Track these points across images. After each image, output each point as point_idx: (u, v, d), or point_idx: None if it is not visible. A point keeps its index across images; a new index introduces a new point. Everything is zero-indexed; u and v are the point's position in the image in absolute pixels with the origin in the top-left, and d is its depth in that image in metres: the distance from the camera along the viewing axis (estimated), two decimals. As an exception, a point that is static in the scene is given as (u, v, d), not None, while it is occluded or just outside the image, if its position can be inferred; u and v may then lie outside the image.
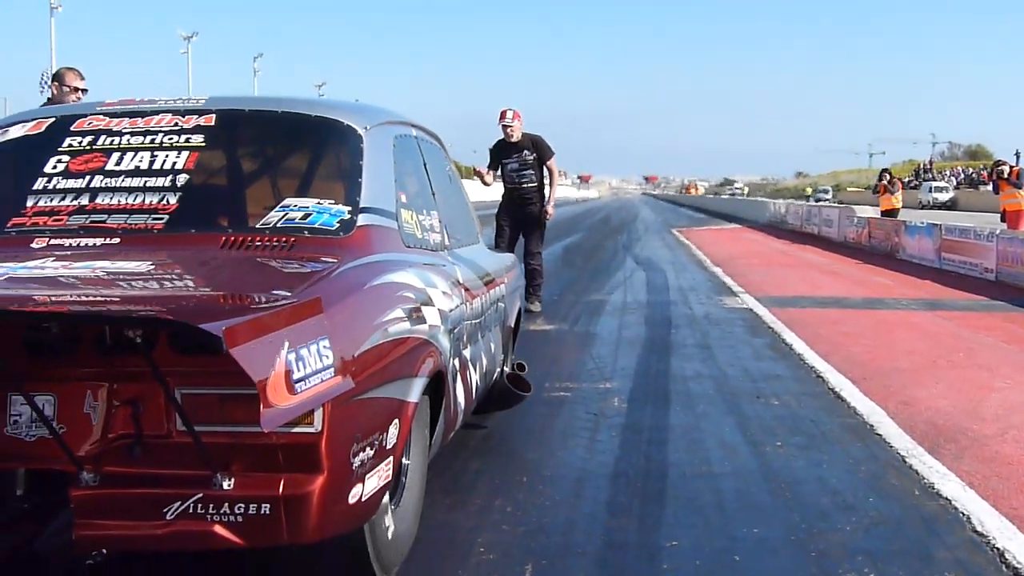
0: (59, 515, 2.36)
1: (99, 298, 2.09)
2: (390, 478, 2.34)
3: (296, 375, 1.83)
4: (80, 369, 2.03)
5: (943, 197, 50.62)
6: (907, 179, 61.86)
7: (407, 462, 2.68)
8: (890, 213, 18.73)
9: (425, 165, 3.46)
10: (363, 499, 2.16)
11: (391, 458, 2.33)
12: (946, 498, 3.55)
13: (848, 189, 72.43)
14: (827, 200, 62.81)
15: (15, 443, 2.02)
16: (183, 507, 1.95)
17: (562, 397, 5.27)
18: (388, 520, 2.48)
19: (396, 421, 2.34)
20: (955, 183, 55.48)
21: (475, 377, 3.53)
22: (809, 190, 74.12)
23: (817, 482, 3.76)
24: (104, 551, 2.38)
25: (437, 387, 2.84)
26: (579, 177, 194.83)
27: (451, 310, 3.02)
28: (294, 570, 2.68)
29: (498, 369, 4.20)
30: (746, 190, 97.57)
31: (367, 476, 2.17)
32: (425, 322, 2.67)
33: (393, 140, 3.13)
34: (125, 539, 2.02)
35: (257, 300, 1.98)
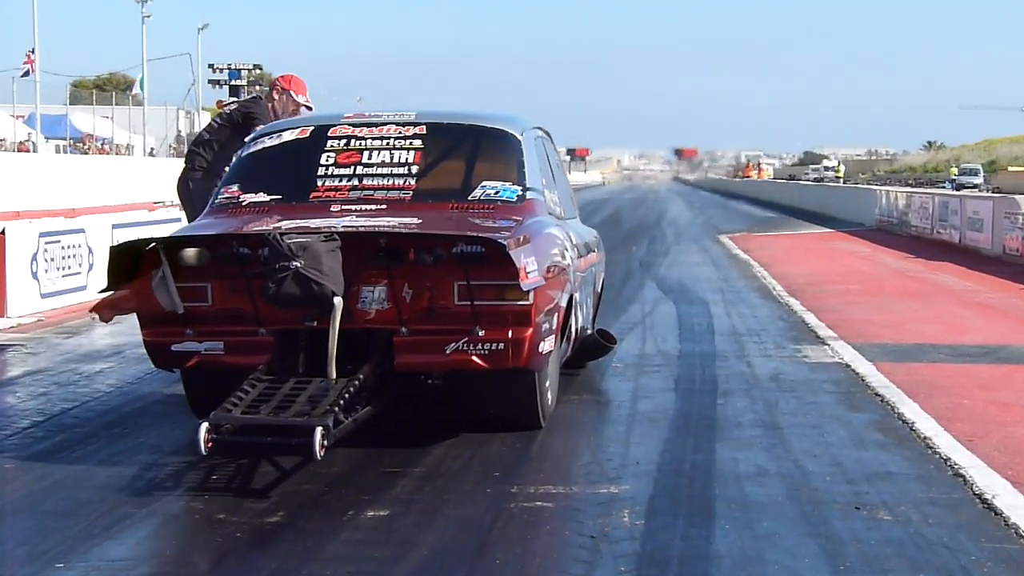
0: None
1: (417, 230, 6.30)
2: (553, 347, 6.64)
3: (527, 270, 6.01)
4: (400, 270, 6.06)
5: None
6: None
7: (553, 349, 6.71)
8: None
9: (548, 157, 7.97)
10: (543, 352, 6.39)
11: (553, 335, 6.61)
12: None
13: (1010, 168, 72.42)
14: (976, 186, 62.70)
15: (362, 313, 6.13)
16: (456, 346, 6.07)
17: (541, 508, 5.33)
18: (546, 378, 6.73)
19: (556, 314, 6.71)
20: None
21: (580, 318, 7.86)
22: (954, 170, 73.58)
23: (953, 645, 3.81)
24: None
25: (567, 312, 7.10)
26: (570, 152, 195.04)
27: (573, 259, 7.37)
28: (491, 408, 6.60)
29: (588, 328, 8.40)
30: (842, 171, 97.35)
31: (545, 339, 6.39)
32: (566, 260, 7.12)
33: (534, 140, 7.58)
34: (422, 365, 6.26)
35: (498, 236, 6.05)
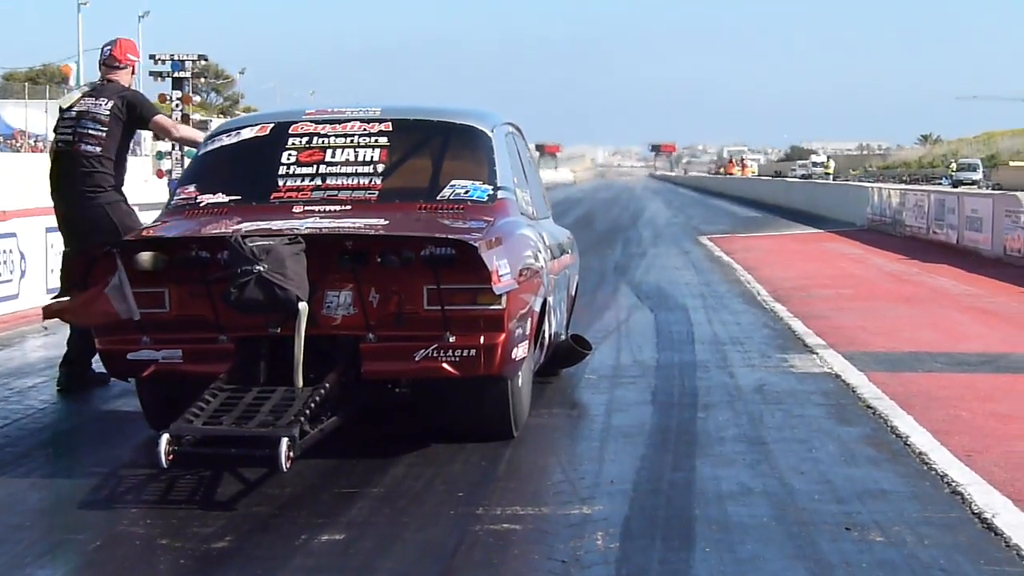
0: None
1: (385, 232, 6.31)
2: (526, 354, 6.62)
3: (500, 273, 6.04)
4: (367, 274, 6.03)
5: None
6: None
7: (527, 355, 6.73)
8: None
9: (519, 154, 8.03)
10: (517, 358, 6.41)
11: (527, 341, 6.60)
12: None
13: (1011, 163, 71.42)
14: (975, 182, 61.34)
15: (327, 319, 6.11)
16: (425, 353, 6.05)
17: (509, 531, 5.26)
18: (519, 386, 6.70)
19: (529, 319, 6.67)
20: None
21: (554, 323, 7.88)
22: (953, 166, 73.50)
23: None
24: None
25: (540, 317, 7.11)
26: (539, 148, 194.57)
27: (546, 261, 7.37)
28: (461, 418, 6.65)
29: (562, 333, 8.44)
30: (831, 166, 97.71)
31: (519, 344, 6.41)
32: (540, 262, 7.09)
33: (505, 137, 7.63)
34: (390, 372, 6.26)
35: (468, 237, 6.04)
